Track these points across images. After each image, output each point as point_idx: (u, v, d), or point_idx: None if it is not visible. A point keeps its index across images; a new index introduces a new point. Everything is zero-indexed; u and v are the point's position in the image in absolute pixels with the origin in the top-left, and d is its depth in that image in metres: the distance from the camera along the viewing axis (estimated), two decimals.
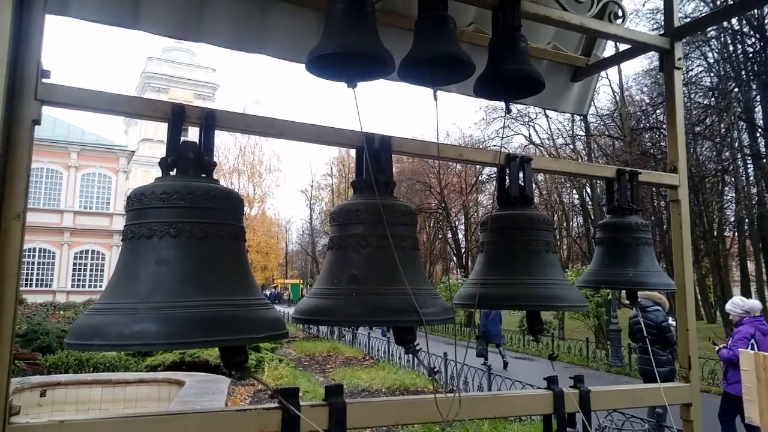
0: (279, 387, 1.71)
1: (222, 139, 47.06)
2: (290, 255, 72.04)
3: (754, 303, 7.19)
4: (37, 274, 36.65)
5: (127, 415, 1.59)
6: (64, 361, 11.44)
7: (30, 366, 9.98)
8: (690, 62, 22.79)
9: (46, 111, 1.61)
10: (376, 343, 17.64)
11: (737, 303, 7.11)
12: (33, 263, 36.18)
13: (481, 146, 29.23)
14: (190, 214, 1.51)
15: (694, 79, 23.36)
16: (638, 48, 2.85)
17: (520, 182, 2.21)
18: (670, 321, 7.48)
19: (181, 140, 1.66)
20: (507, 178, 2.23)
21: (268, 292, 41.42)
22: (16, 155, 1.49)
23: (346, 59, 1.83)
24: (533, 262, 2.09)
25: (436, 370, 1.79)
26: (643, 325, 7.07)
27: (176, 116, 1.67)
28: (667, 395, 2.32)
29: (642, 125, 26.67)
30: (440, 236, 44.01)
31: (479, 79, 2.14)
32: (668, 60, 2.68)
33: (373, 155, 1.91)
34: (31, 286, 35.01)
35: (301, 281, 62.44)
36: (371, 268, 1.74)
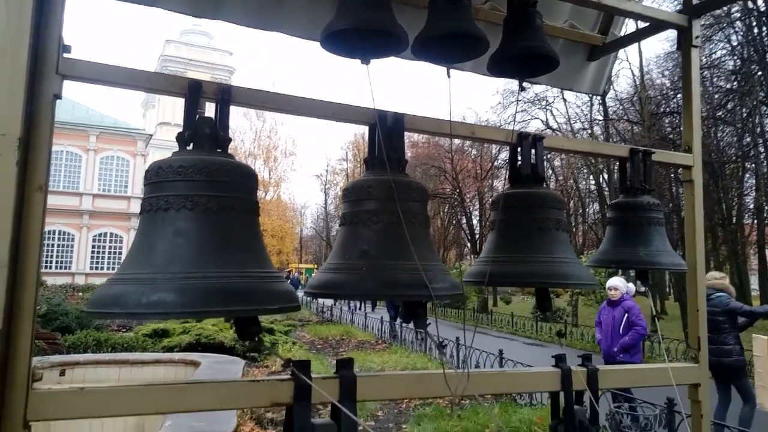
0: (291, 359, 1.75)
1: (238, 123, 47.28)
2: (305, 240, 72.38)
3: (632, 286, 8.35)
4: (57, 256, 37.32)
5: (145, 383, 1.64)
6: (83, 341, 11.70)
7: (50, 345, 10.24)
8: (713, 45, 22.24)
9: (66, 94, 1.63)
10: (389, 328, 17.82)
11: (624, 282, 8.14)
12: (53, 245, 36.85)
13: None
14: (206, 187, 1.54)
15: (717, 63, 22.83)
16: (656, 26, 2.80)
17: (531, 161, 2.21)
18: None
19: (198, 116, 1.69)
20: (519, 156, 2.23)
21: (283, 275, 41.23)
22: (39, 128, 1.52)
23: (360, 36, 1.83)
24: (543, 240, 2.09)
25: (444, 344, 1.81)
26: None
27: (193, 92, 1.70)
28: (676, 375, 2.33)
29: (662, 110, 26.15)
30: (454, 222, 43.92)
31: (493, 56, 2.13)
32: (686, 38, 2.63)
33: (386, 132, 1.93)
34: (50, 268, 35.70)
35: (316, 266, 62.80)
36: (382, 243, 1.76)
